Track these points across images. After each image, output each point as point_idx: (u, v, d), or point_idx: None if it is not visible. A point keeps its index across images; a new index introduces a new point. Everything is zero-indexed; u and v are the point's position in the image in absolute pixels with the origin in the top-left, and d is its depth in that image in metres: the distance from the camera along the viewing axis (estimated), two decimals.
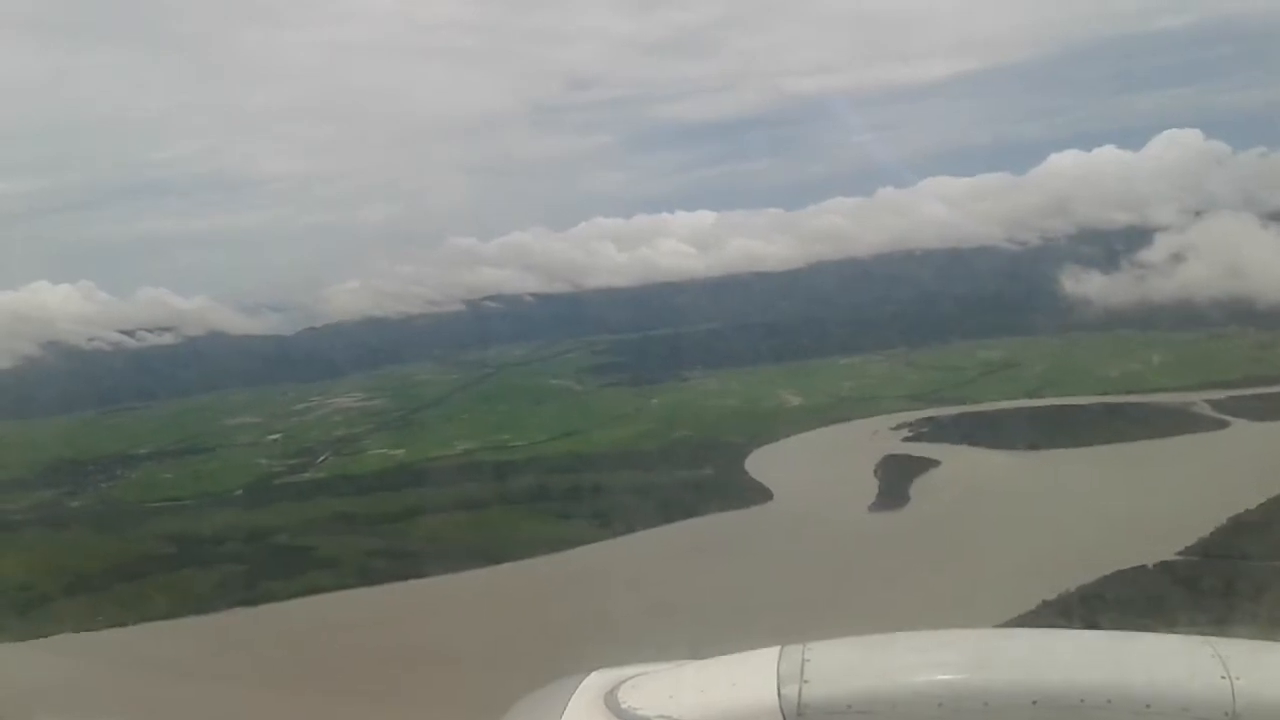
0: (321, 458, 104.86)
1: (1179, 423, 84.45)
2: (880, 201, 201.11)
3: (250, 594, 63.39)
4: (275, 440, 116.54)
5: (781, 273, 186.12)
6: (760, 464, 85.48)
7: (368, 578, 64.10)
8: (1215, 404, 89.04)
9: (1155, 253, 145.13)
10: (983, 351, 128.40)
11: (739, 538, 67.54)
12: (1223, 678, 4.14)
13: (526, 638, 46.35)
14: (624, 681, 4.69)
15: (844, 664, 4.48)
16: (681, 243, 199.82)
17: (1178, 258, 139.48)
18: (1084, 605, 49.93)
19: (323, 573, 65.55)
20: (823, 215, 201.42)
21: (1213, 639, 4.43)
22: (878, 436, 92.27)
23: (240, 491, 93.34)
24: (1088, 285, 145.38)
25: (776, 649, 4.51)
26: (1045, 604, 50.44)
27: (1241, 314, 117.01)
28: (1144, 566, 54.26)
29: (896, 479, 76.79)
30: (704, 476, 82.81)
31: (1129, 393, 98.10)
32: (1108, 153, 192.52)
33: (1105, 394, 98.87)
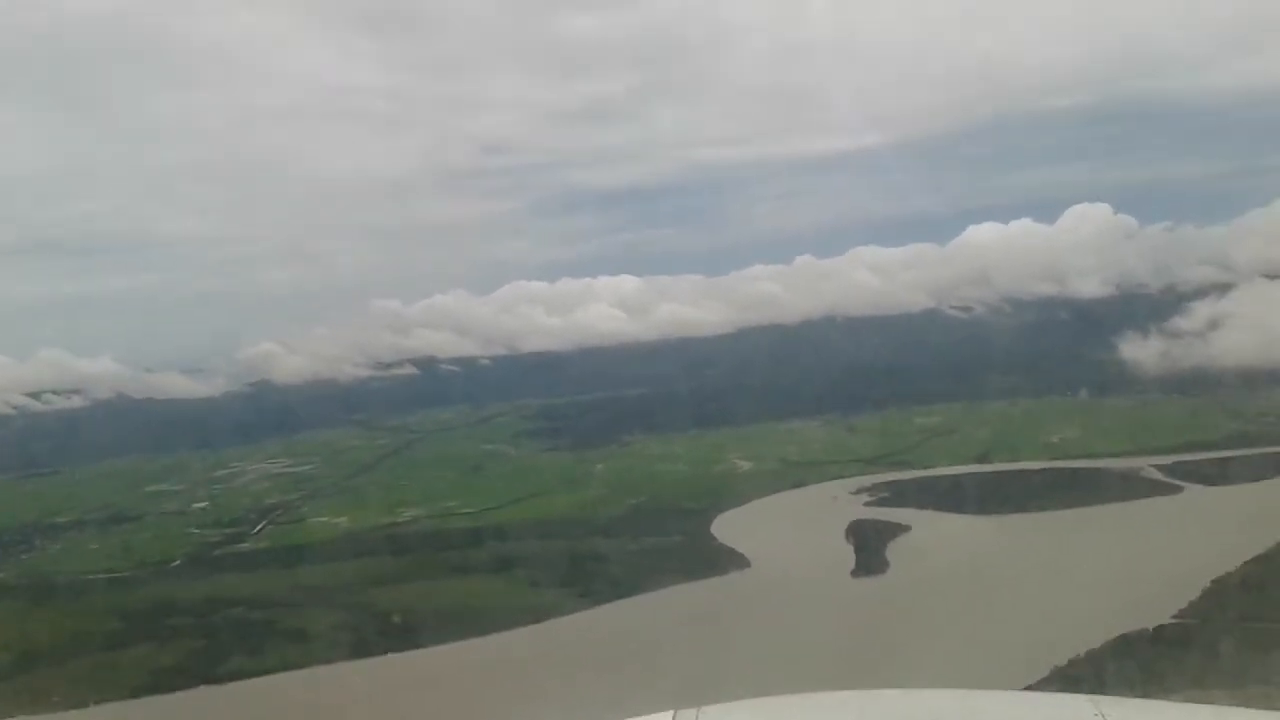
0: (259, 527, 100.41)
1: (1134, 487, 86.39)
2: (805, 269, 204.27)
3: (216, 670, 59.62)
4: (204, 508, 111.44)
5: (712, 338, 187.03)
6: (727, 530, 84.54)
7: (346, 651, 60.87)
8: (1163, 468, 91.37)
9: (1082, 322, 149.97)
10: (919, 417, 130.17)
11: (727, 605, 66.36)
12: None
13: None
14: None
15: None
16: (611, 307, 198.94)
17: (1106, 327, 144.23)
18: (1096, 669, 50.07)
19: (292, 647, 62.07)
20: (751, 282, 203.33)
21: (1097, 697, 4.73)
22: (839, 501, 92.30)
23: (179, 562, 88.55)
24: (1017, 353, 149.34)
25: (670, 713, 4.76)
26: (1057, 670, 50.48)
27: (1171, 382, 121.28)
28: (1144, 629, 54.72)
29: (870, 544, 76.61)
30: (674, 543, 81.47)
31: (1074, 458, 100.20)
32: (1024, 225, 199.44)
33: (1053, 459, 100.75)
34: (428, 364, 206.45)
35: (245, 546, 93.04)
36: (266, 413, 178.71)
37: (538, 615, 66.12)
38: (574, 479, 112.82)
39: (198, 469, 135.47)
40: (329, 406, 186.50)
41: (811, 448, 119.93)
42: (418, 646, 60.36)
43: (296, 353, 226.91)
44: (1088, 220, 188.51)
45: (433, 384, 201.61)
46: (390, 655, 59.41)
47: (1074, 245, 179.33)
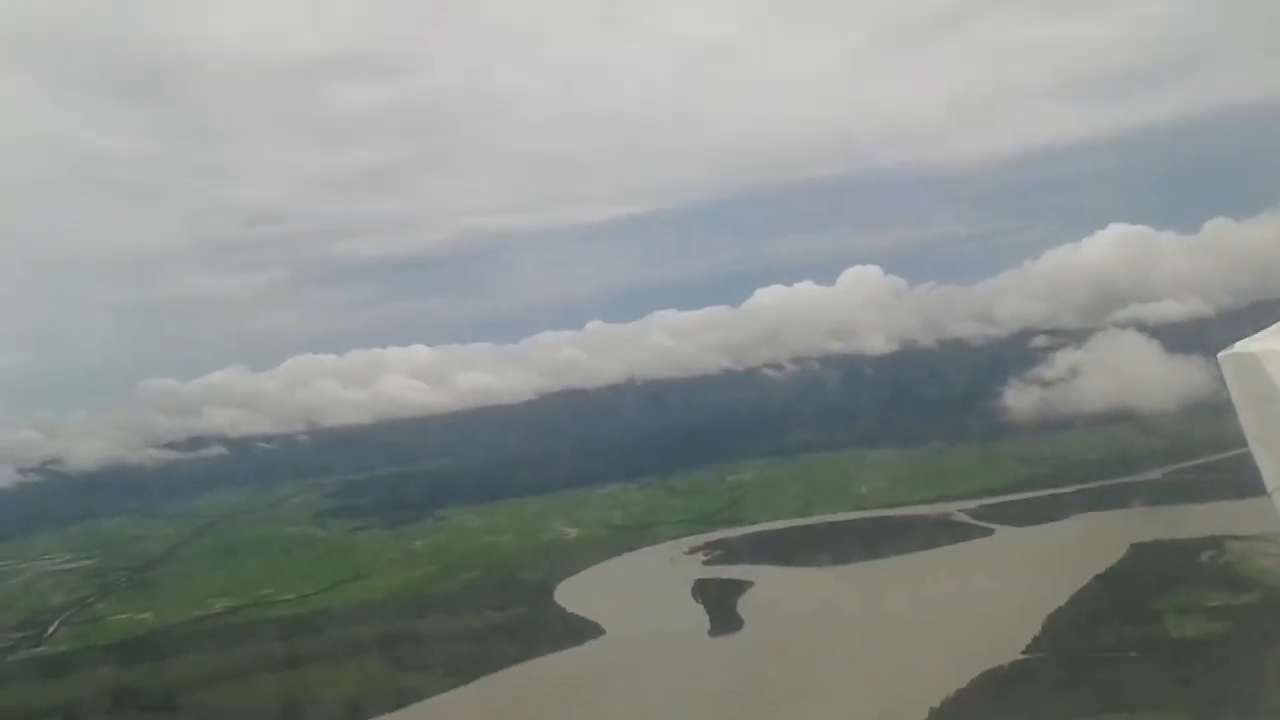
0: (51, 628, 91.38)
1: (951, 531, 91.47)
2: (601, 334, 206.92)
3: None
4: None
5: (513, 405, 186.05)
6: (572, 598, 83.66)
7: None
8: (971, 512, 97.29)
9: (870, 377, 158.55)
10: (731, 475, 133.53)
11: (595, 673, 65.50)
12: None
13: None
14: None
15: None
16: (408, 377, 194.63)
17: (892, 381, 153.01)
18: (970, 708, 52.45)
19: None
20: (548, 348, 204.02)
21: None
22: (675, 562, 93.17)
23: None
24: (814, 409, 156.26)
25: None
26: (934, 712, 52.56)
27: (957, 431, 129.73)
28: (1000, 666, 57.73)
29: (719, 602, 77.65)
30: (522, 615, 79.75)
31: (887, 506, 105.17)
32: (807, 287, 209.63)
33: (867, 509, 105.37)
34: (209, 444, 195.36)
35: (43, 651, 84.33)
36: (29, 504, 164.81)
37: (409, 697, 63.22)
38: (395, 558, 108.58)
39: None
40: (102, 494, 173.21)
41: (634, 510, 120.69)
42: None
43: (57, 438, 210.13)
44: (864, 281, 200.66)
45: (217, 465, 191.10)
46: None
47: (853, 305, 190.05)
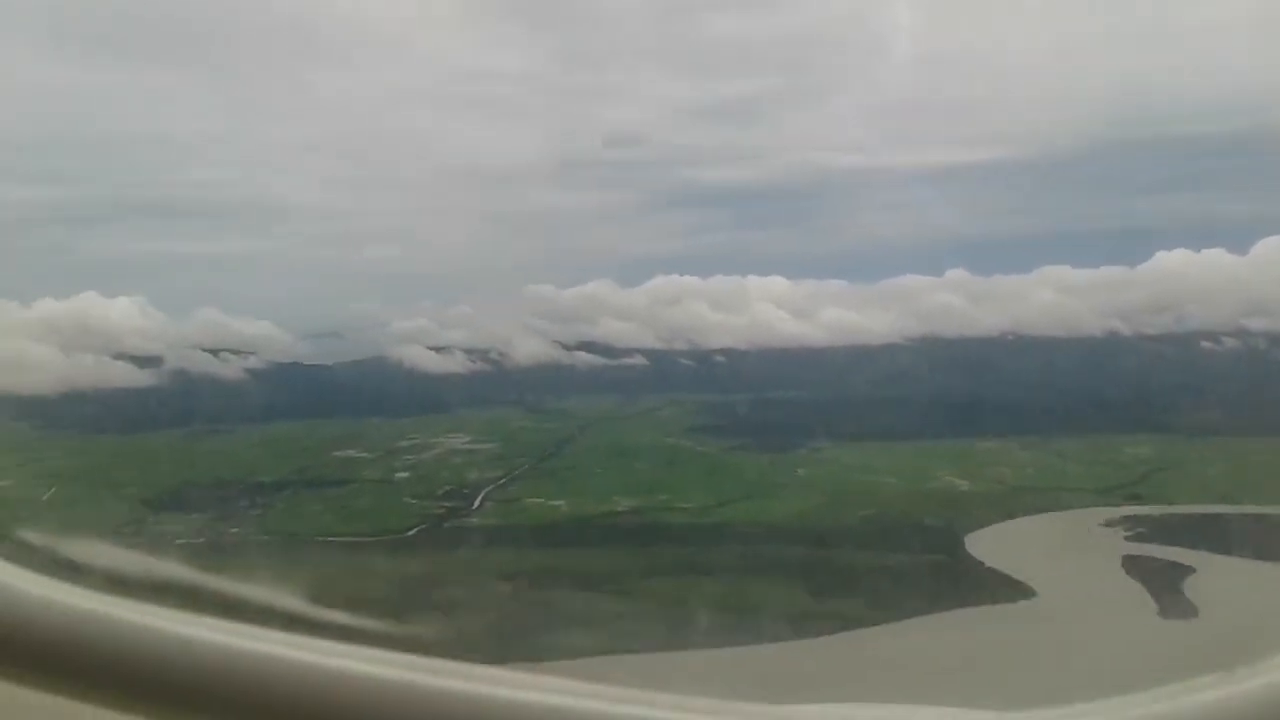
0: (476, 502, 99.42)
1: None
2: (971, 283, 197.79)
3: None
4: (408, 479, 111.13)
5: (882, 346, 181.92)
6: (986, 552, 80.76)
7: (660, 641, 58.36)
8: None
9: None
10: (1128, 447, 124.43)
11: (1031, 635, 62.83)
12: None
13: None
14: None
15: None
16: (775, 307, 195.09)
17: None
18: None
19: (605, 630, 59.95)
20: (911, 293, 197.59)
21: None
22: (1093, 534, 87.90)
23: (413, 532, 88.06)
24: (1218, 388, 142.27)
25: None
26: None
27: None
28: None
29: (1159, 583, 72.33)
30: (938, 562, 78.07)
31: None
32: (1217, 254, 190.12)
33: None
34: (583, 350, 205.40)
35: (475, 521, 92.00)
36: (424, 385, 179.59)
37: (838, 625, 63.35)
38: (780, 484, 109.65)
39: (377, 438, 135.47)
40: (485, 385, 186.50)
41: (1025, 471, 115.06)
42: (746, 643, 57.92)
43: (449, 328, 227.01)
44: None
45: (587, 371, 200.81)
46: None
47: (1272, 279, 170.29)
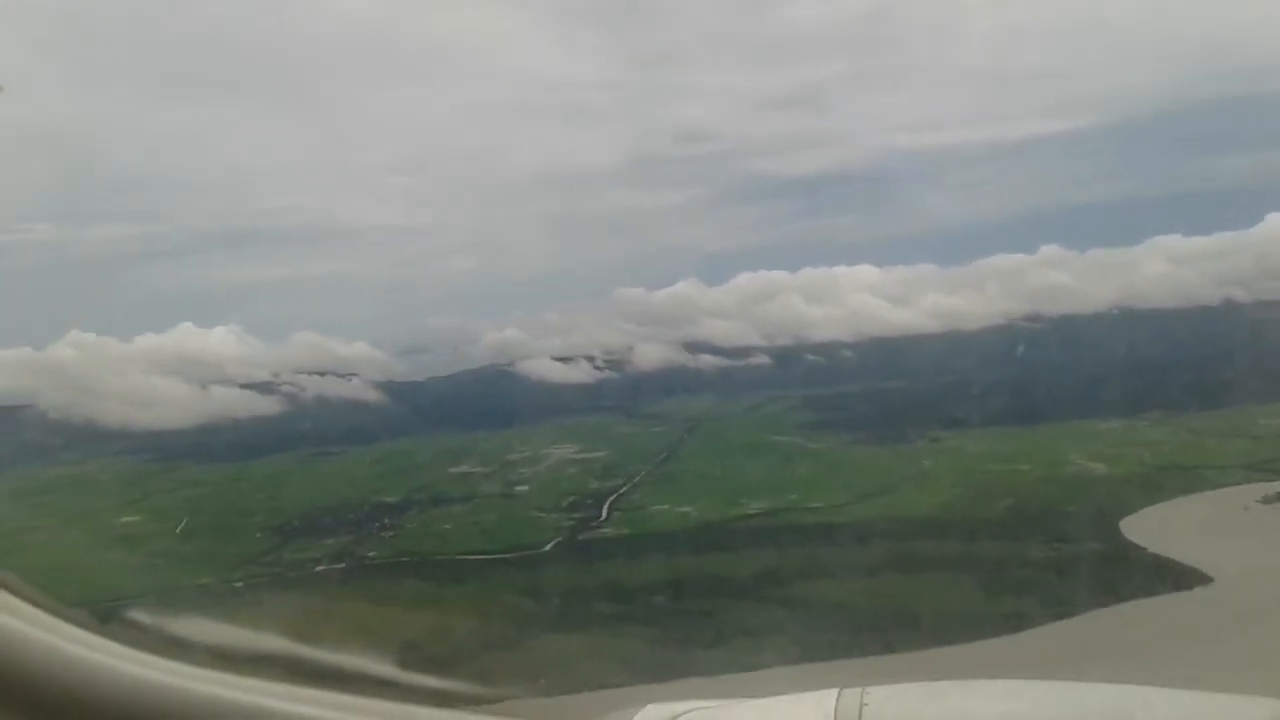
0: (603, 513, 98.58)
1: None
2: (1066, 258, 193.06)
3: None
4: (528, 492, 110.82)
5: (979, 329, 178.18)
6: (1147, 539, 77.60)
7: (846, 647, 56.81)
8: None
9: None
10: (1264, 419, 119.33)
11: (1222, 623, 59.86)
12: None
13: None
14: (678, 717, 4.46)
15: (902, 710, 4.32)
16: (874, 296, 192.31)
17: None
18: None
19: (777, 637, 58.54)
20: (1006, 272, 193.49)
21: None
22: (1251, 511, 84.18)
23: (550, 546, 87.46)
24: None
25: (835, 691, 4.35)
26: None
27: None
28: None
29: None
30: (1100, 551, 75.14)
31: None
32: None
33: None
34: (677, 351, 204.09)
35: (608, 532, 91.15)
36: (517, 396, 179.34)
37: (1013, 624, 61.10)
38: (909, 476, 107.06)
39: (487, 452, 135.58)
40: (575, 392, 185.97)
41: (1161, 449, 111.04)
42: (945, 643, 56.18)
43: (541, 337, 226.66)
44: None
45: (677, 374, 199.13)
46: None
47: None
